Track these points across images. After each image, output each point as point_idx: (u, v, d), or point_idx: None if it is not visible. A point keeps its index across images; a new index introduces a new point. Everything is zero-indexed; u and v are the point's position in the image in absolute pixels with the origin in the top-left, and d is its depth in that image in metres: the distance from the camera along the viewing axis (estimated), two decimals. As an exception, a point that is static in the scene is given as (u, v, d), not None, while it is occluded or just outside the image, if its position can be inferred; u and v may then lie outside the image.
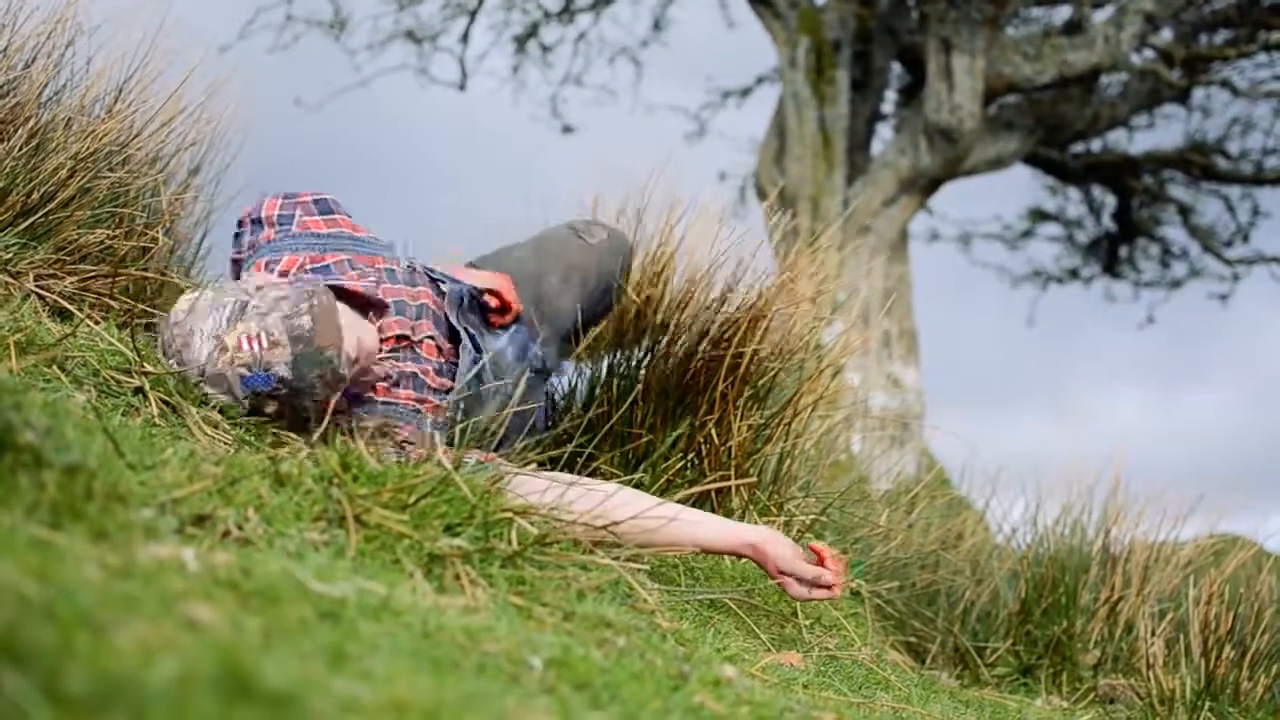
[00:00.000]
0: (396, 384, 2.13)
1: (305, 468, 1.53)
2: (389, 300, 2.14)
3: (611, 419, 2.43)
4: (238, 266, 2.28)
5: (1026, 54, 8.42)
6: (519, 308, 2.42)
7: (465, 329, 2.26)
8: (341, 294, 2.08)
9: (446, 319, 2.25)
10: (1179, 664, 2.62)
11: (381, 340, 2.12)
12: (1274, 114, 9.78)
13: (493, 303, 2.38)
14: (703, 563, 2.37)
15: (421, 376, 2.15)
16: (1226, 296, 10.94)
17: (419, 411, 2.12)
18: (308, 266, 2.12)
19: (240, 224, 2.25)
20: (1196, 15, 8.89)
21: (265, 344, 1.85)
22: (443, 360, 2.21)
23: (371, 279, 2.16)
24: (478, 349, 2.26)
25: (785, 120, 8.99)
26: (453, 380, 2.20)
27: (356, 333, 1.98)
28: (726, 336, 2.55)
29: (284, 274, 2.09)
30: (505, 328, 2.40)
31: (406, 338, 2.16)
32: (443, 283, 2.30)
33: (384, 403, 2.09)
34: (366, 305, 2.11)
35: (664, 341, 2.58)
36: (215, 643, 0.83)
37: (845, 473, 3.89)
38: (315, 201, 2.24)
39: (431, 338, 2.20)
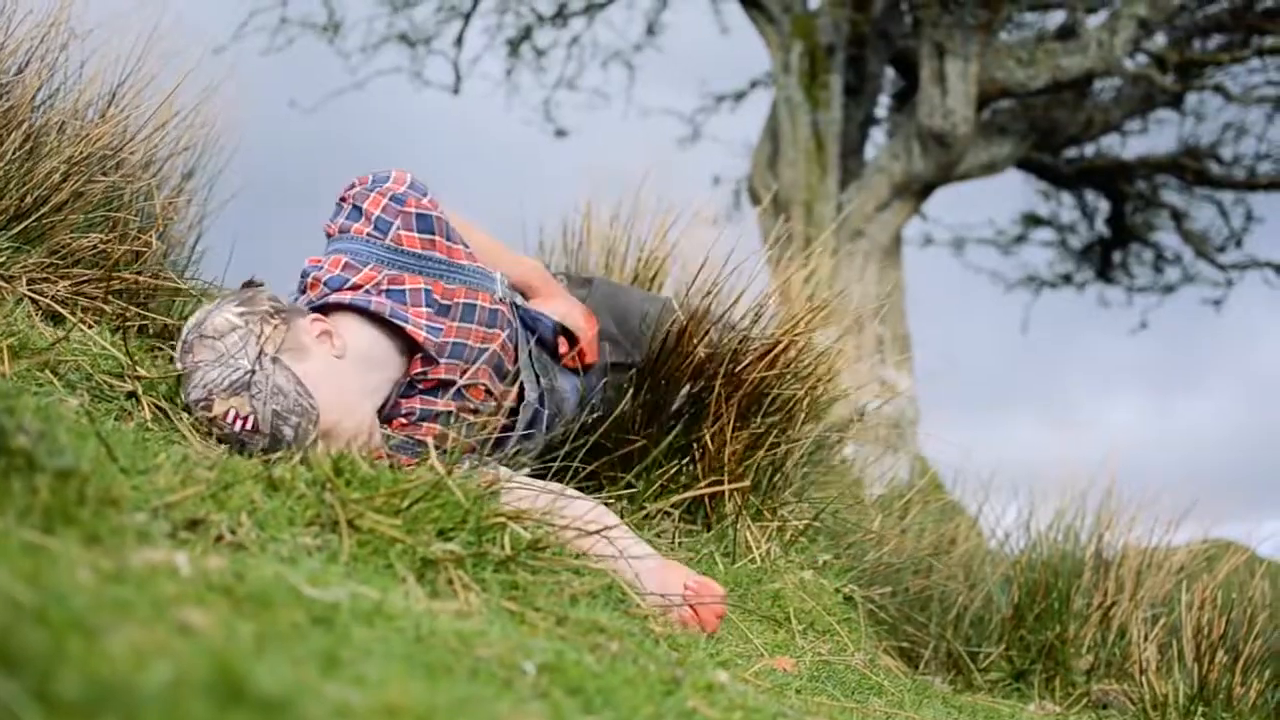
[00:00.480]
0: (421, 419, 2.14)
1: (298, 473, 1.53)
2: (447, 344, 2.14)
3: (605, 423, 2.43)
4: (329, 236, 2.24)
5: (1020, 59, 8.44)
6: (594, 359, 2.47)
7: (534, 372, 2.29)
8: (398, 332, 2.09)
9: (514, 359, 2.27)
10: (1172, 669, 2.62)
11: (422, 383, 2.14)
12: (1267, 119, 9.83)
13: (563, 348, 2.40)
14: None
15: (456, 414, 2.16)
16: (1220, 301, 11.00)
17: (438, 447, 2.13)
18: (384, 286, 2.09)
19: (343, 200, 2.17)
20: (1190, 20, 8.93)
21: (249, 426, 1.88)
22: (491, 402, 2.21)
23: (441, 320, 2.14)
24: (539, 398, 2.29)
25: (779, 125, 9.01)
26: (489, 414, 2.21)
27: (366, 434, 2.00)
28: (723, 369, 2.57)
29: (358, 288, 2.08)
30: (573, 370, 2.43)
31: (452, 382, 2.16)
32: (534, 323, 2.33)
33: (394, 435, 2.10)
34: (417, 348, 2.12)
35: (662, 369, 2.60)
36: (208, 647, 0.83)
37: (839, 478, 3.89)
38: (419, 216, 2.14)
39: (484, 383, 2.20)
